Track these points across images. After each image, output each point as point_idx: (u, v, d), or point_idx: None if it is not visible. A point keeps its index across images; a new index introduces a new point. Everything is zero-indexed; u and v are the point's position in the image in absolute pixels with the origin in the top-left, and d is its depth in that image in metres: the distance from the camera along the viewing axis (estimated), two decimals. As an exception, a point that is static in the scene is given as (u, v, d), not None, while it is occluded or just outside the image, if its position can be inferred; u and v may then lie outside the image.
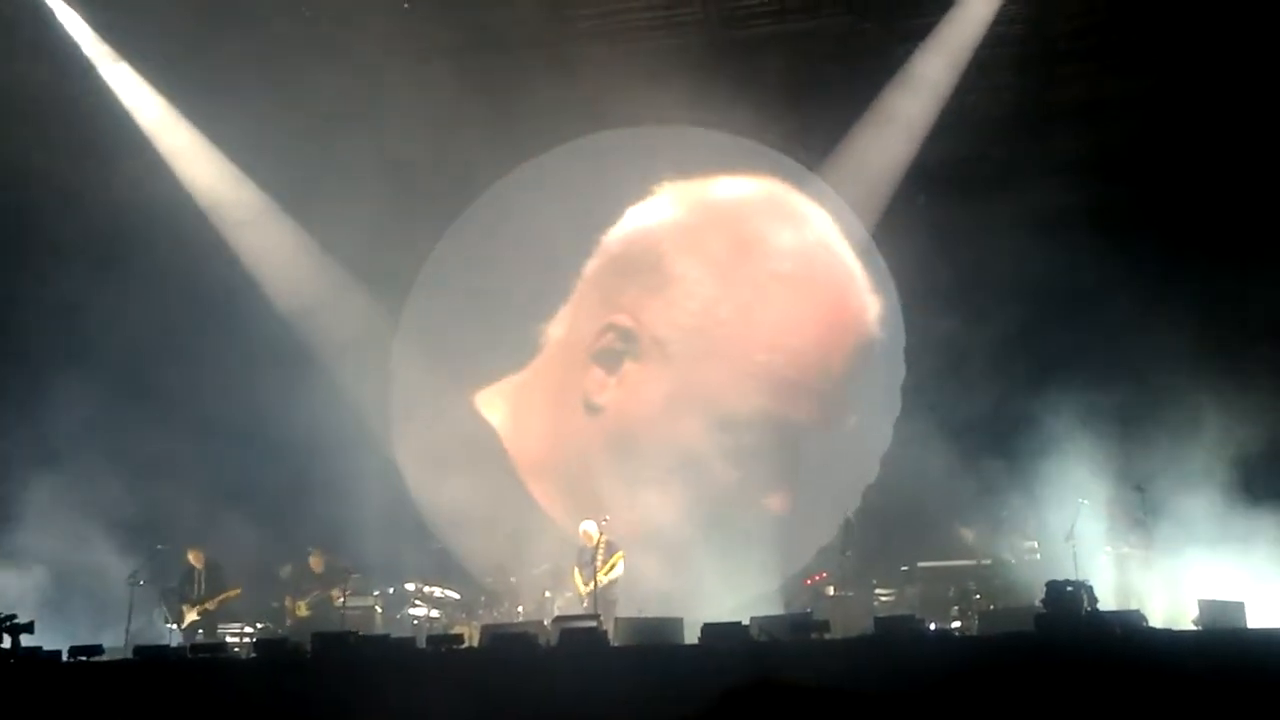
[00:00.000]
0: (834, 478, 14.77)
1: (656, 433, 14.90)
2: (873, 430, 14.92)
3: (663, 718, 8.17)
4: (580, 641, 9.90)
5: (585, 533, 13.50)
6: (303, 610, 14.27)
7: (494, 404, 16.17)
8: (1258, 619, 9.65)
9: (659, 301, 15.36)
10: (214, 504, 14.55)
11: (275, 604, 14.64)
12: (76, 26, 14.96)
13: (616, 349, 15.53)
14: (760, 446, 14.62)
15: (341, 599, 13.61)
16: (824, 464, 14.82)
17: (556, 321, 15.87)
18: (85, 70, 15.04)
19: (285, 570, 14.90)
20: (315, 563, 14.49)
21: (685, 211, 15.65)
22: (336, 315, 15.81)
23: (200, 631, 13.77)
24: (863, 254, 15.32)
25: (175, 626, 13.85)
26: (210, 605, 13.94)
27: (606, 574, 12.92)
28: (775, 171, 15.52)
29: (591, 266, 15.79)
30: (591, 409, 15.60)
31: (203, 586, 14.05)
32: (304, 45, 13.99)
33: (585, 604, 12.86)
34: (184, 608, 13.95)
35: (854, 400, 15.03)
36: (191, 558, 14.12)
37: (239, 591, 14.14)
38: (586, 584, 13.05)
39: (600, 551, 13.09)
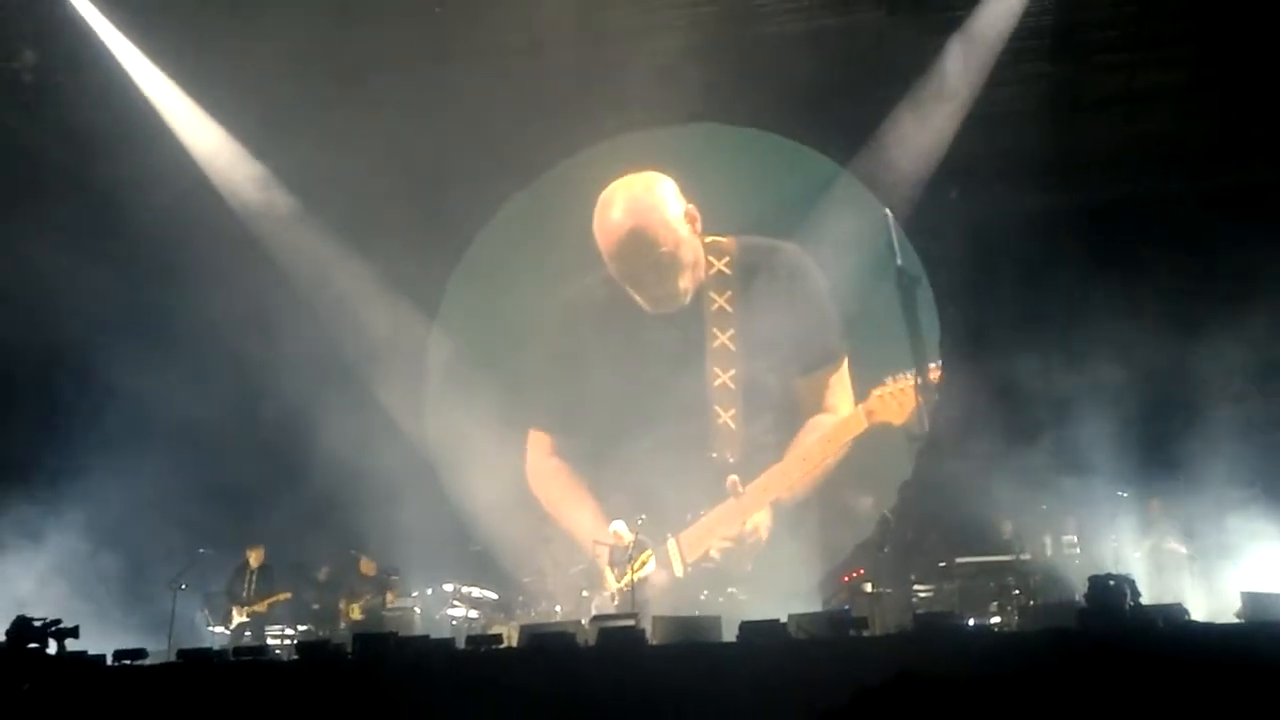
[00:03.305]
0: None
1: None
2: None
3: (703, 716, 8.20)
4: (618, 640, 9.90)
5: (615, 533, 13.60)
6: (356, 613, 14.33)
7: None
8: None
9: None
10: (250, 506, 14.66)
11: (316, 606, 14.69)
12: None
13: None
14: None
15: (392, 601, 13.74)
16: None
17: None
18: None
19: (323, 572, 14.98)
20: (367, 566, 14.52)
21: None
22: (370, 314, 15.82)
23: (248, 634, 13.77)
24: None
25: (220, 629, 13.91)
26: (259, 607, 13.96)
27: (636, 572, 12.92)
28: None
29: None
30: None
31: (253, 588, 14.08)
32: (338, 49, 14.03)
33: (616, 603, 12.90)
34: (233, 608, 14.00)
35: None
36: (251, 557, 14.13)
37: (289, 595, 14.17)
38: (619, 582, 13.09)
39: (631, 551, 13.12)
